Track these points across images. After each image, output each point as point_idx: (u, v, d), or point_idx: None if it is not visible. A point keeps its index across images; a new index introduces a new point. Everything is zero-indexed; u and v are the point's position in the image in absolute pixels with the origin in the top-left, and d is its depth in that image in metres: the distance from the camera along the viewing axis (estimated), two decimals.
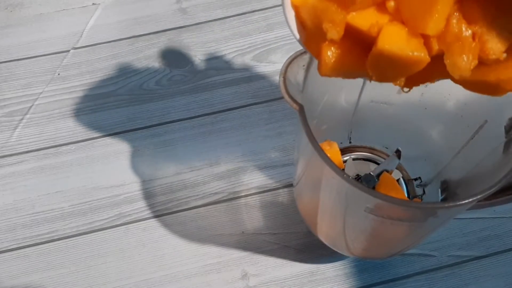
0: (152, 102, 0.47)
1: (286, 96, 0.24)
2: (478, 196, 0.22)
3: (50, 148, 0.45)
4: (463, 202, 0.22)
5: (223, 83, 0.48)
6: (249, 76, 0.48)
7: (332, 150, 0.33)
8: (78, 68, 0.49)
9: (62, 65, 0.49)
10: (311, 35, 0.22)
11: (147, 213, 0.42)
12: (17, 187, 0.43)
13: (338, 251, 0.35)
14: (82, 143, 0.45)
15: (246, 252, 0.40)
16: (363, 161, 0.39)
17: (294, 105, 0.24)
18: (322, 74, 0.21)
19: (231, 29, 0.51)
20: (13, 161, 0.44)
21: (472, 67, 0.19)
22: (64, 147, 0.45)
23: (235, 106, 0.46)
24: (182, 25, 0.51)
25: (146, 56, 0.49)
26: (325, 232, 0.34)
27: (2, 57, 0.50)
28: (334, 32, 0.20)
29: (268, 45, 0.50)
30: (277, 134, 0.45)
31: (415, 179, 0.38)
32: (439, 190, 0.34)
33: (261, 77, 0.48)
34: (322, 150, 0.23)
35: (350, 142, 0.39)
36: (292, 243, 0.40)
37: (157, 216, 0.42)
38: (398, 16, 0.20)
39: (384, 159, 0.39)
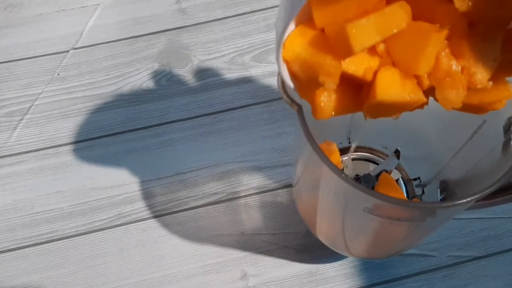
0: (151, 102, 0.47)
1: (284, 96, 0.24)
2: (476, 196, 0.22)
3: (50, 148, 0.45)
4: (461, 201, 0.22)
5: (222, 83, 0.48)
6: (249, 77, 0.48)
7: (331, 150, 0.33)
8: (78, 68, 0.49)
9: (62, 65, 0.49)
10: (304, 85, 0.22)
11: (146, 213, 0.42)
12: (16, 187, 0.43)
13: (337, 251, 0.35)
14: (82, 143, 0.45)
15: (245, 252, 0.40)
16: (362, 161, 0.39)
17: (293, 105, 0.24)
18: (317, 119, 0.22)
19: (231, 30, 0.51)
20: (13, 161, 0.44)
21: (462, 99, 0.20)
22: (63, 147, 0.45)
23: (234, 107, 0.46)
24: (181, 25, 0.51)
25: (146, 57, 0.49)
26: (324, 232, 0.34)
27: (2, 57, 0.50)
28: (332, 83, 0.20)
29: (267, 45, 0.50)
30: (277, 135, 0.45)
31: (414, 179, 0.38)
32: (438, 190, 0.34)
33: (260, 78, 0.48)
34: (321, 150, 0.23)
35: (349, 143, 0.39)
36: (292, 243, 0.40)
37: (156, 216, 0.42)
38: (388, 58, 0.20)
39: (383, 159, 0.39)
